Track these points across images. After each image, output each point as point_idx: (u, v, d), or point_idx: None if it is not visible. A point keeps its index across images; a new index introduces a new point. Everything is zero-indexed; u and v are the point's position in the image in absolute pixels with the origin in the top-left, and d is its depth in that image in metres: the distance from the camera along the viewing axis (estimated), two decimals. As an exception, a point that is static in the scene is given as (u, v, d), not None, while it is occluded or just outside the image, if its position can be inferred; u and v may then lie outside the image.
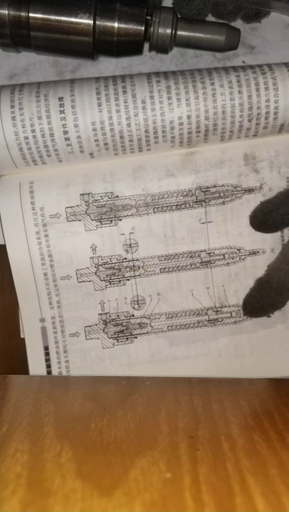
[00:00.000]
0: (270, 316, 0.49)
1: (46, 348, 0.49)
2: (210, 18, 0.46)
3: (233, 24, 0.46)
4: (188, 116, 0.43)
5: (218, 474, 0.30)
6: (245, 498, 0.28)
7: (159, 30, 0.43)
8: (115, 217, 0.48)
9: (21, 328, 0.49)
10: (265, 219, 0.47)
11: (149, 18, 0.43)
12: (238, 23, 0.46)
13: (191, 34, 0.44)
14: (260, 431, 0.36)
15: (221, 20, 0.46)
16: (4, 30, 0.43)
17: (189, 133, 0.44)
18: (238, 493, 0.28)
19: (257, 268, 0.49)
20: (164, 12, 0.43)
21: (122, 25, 0.42)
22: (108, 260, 0.48)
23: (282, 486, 0.29)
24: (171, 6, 0.45)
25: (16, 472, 0.30)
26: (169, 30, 0.43)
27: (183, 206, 0.48)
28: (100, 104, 0.43)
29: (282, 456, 0.32)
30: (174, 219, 0.48)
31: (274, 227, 0.48)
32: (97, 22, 0.42)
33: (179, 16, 0.45)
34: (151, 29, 0.43)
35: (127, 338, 0.50)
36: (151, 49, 0.45)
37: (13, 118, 0.43)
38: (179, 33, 0.44)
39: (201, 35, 0.44)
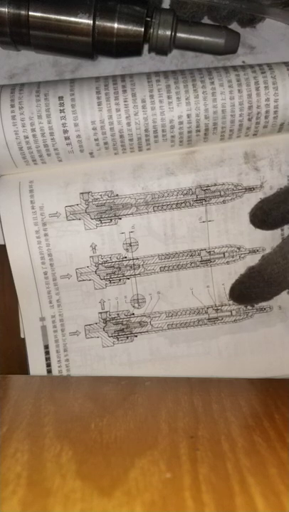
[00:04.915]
0: (253, 306, 0.49)
1: (46, 347, 0.49)
2: (207, 21, 0.46)
3: (229, 27, 0.45)
4: (188, 116, 0.43)
5: (218, 474, 0.30)
6: (245, 498, 0.28)
7: (159, 32, 0.43)
8: (115, 216, 0.48)
9: (21, 328, 0.49)
10: (265, 217, 0.47)
11: (148, 19, 0.43)
12: (234, 25, 0.46)
13: (191, 36, 0.44)
14: (260, 431, 0.36)
15: (217, 24, 0.45)
16: (4, 28, 0.43)
17: (189, 132, 0.44)
18: (238, 493, 0.29)
19: (257, 267, 0.49)
20: (164, 14, 0.43)
21: (122, 26, 0.42)
22: (108, 259, 0.48)
23: (282, 486, 0.29)
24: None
25: (16, 472, 0.30)
26: (168, 32, 0.43)
27: (183, 205, 0.48)
28: (99, 104, 0.43)
29: (282, 456, 0.32)
30: (174, 218, 0.48)
31: (275, 225, 0.48)
32: (96, 22, 0.42)
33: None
34: (151, 30, 0.43)
35: (127, 337, 0.50)
36: (150, 50, 0.45)
37: (13, 117, 0.43)
38: (179, 35, 0.44)
39: (201, 37, 0.44)
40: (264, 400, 0.43)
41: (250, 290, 0.47)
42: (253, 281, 0.47)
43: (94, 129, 0.43)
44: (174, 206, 0.48)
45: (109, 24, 0.42)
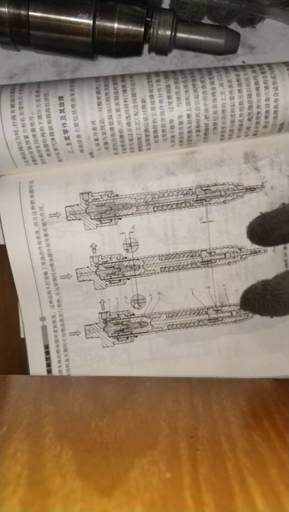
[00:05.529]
0: (262, 315, 0.48)
1: (46, 347, 0.49)
2: (207, 21, 0.46)
3: (229, 27, 0.45)
4: (188, 116, 0.43)
5: (218, 474, 0.30)
6: (245, 498, 0.28)
7: (159, 32, 0.43)
8: (115, 216, 0.48)
9: (21, 328, 0.49)
10: (265, 236, 0.46)
11: (148, 19, 0.43)
12: (234, 25, 0.46)
13: (191, 36, 0.44)
14: (260, 431, 0.36)
15: (217, 24, 0.45)
16: (4, 28, 0.43)
17: (189, 132, 0.44)
18: (238, 493, 0.29)
19: (258, 267, 0.49)
20: (164, 14, 0.43)
21: (122, 26, 0.42)
22: (108, 259, 0.48)
23: (282, 486, 0.29)
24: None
25: (16, 472, 0.30)
26: (168, 32, 0.43)
27: (183, 205, 0.48)
28: (99, 104, 0.43)
29: (282, 456, 0.32)
30: (174, 218, 0.48)
31: (273, 244, 0.48)
32: (96, 22, 0.42)
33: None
34: (151, 30, 0.43)
35: (127, 337, 0.50)
36: (150, 50, 0.45)
37: (13, 117, 0.43)
38: (179, 35, 0.44)
39: (201, 37, 0.44)
40: (264, 399, 0.43)
41: (264, 308, 0.46)
42: (266, 301, 0.45)
43: (94, 129, 0.43)
44: (174, 206, 0.48)
45: (109, 24, 0.42)
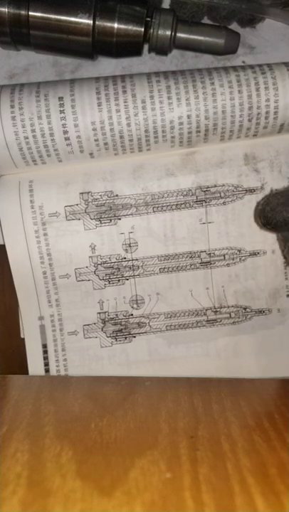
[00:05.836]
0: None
1: (44, 346, 0.49)
2: (207, 21, 0.46)
3: (229, 27, 0.45)
4: (188, 116, 0.43)
5: (218, 474, 0.30)
6: (245, 498, 0.28)
7: (159, 32, 0.43)
8: (115, 216, 0.48)
9: (21, 328, 0.49)
10: (271, 215, 0.45)
11: (148, 19, 0.43)
12: (234, 25, 0.46)
13: (191, 37, 0.44)
14: (260, 431, 0.36)
15: (217, 24, 0.46)
16: (4, 28, 0.43)
17: (189, 133, 0.44)
18: (238, 493, 0.29)
19: (257, 269, 0.49)
20: (164, 14, 0.43)
21: (122, 26, 0.42)
22: (107, 259, 0.48)
23: (282, 486, 0.29)
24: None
25: (16, 472, 0.30)
26: (168, 32, 0.43)
27: (183, 206, 0.48)
28: (99, 104, 0.43)
29: (282, 456, 0.32)
30: (174, 219, 0.48)
31: (277, 229, 0.47)
32: (96, 22, 0.42)
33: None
34: (151, 30, 0.43)
35: (126, 338, 0.50)
36: (150, 50, 0.45)
37: (13, 118, 0.43)
38: (179, 35, 0.44)
39: (201, 38, 0.44)
40: (264, 399, 0.43)
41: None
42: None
43: (94, 129, 0.43)
44: (173, 207, 0.48)
45: (109, 24, 0.42)
